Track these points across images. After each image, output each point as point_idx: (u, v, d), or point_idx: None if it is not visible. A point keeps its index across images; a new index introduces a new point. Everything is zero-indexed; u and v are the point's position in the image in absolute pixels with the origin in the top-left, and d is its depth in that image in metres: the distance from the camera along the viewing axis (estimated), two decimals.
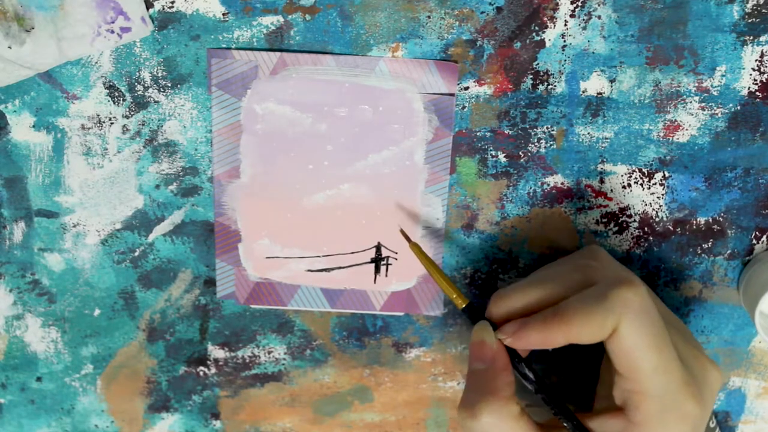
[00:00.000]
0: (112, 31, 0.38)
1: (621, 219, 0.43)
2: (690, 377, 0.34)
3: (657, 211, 0.43)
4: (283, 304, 0.44)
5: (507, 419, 0.34)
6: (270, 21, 0.39)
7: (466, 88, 0.40)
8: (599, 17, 0.39)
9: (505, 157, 0.42)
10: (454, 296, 0.38)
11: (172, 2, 0.38)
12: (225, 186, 0.42)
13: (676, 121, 0.41)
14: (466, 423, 0.35)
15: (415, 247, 0.39)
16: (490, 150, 0.41)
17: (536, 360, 0.45)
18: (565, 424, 0.35)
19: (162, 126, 0.41)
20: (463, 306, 0.38)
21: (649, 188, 0.42)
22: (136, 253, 0.44)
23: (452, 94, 0.40)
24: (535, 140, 0.41)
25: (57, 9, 0.37)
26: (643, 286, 0.34)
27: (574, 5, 0.39)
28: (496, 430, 0.35)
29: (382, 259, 0.43)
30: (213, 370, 0.47)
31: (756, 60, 0.40)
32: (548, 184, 0.42)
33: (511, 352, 0.36)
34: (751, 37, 0.39)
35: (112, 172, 0.42)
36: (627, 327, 0.33)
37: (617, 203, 0.43)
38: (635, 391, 0.34)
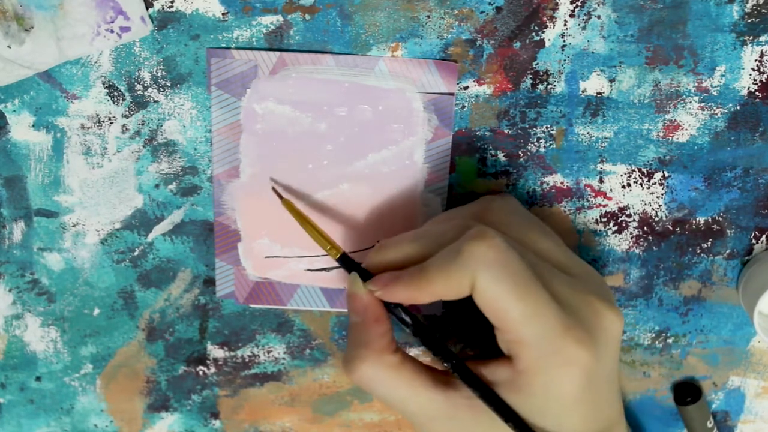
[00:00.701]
0: (112, 31, 0.38)
1: (620, 218, 0.43)
2: (572, 321, 0.33)
3: (656, 211, 0.43)
4: (282, 304, 0.44)
5: (384, 369, 0.34)
6: (270, 21, 0.39)
7: (466, 88, 0.40)
8: (599, 17, 0.39)
9: (504, 156, 0.42)
10: (328, 248, 0.37)
11: (172, 2, 0.38)
12: (224, 185, 0.42)
13: (675, 121, 0.41)
14: (348, 377, 0.35)
15: (287, 204, 0.39)
16: (490, 149, 0.42)
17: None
18: (445, 365, 0.35)
19: (161, 126, 0.41)
20: (337, 256, 0.37)
21: (649, 188, 0.42)
22: (136, 253, 0.44)
23: (452, 94, 0.40)
24: (535, 140, 0.41)
25: (56, 8, 0.37)
26: (497, 237, 0.33)
27: (574, 5, 0.39)
28: (376, 381, 0.34)
29: None
30: (212, 370, 0.47)
31: (756, 60, 0.40)
32: (548, 184, 0.42)
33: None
34: (751, 37, 0.39)
35: (112, 172, 0.42)
36: (484, 280, 0.32)
37: (617, 203, 0.43)
38: (512, 341, 0.33)
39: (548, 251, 0.36)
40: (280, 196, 0.40)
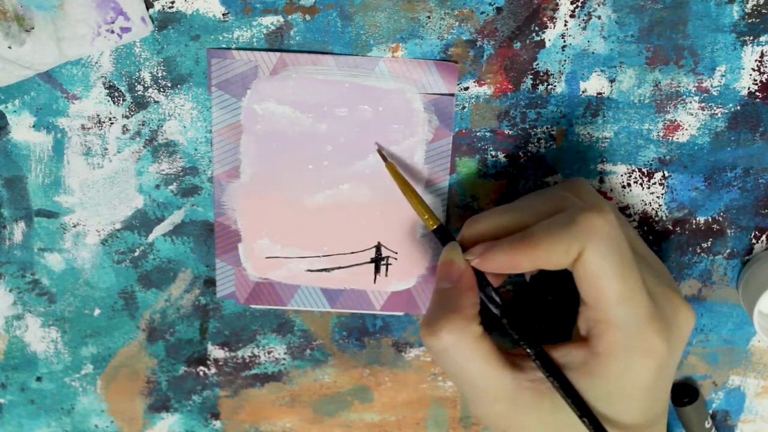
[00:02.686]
0: (112, 31, 0.38)
1: None
2: (657, 313, 0.33)
3: (657, 211, 0.43)
4: (283, 304, 0.44)
5: (467, 338, 0.34)
6: (270, 21, 0.39)
7: (466, 89, 0.40)
8: (599, 17, 0.39)
9: (505, 157, 0.42)
10: (426, 217, 0.37)
11: (172, 2, 0.38)
12: (225, 186, 0.42)
13: (675, 121, 0.41)
14: (427, 341, 0.34)
15: (391, 167, 0.39)
16: (490, 150, 0.42)
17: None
18: (527, 351, 0.35)
19: (162, 126, 0.41)
20: (434, 227, 0.37)
21: (649, 188, 0.42)
22: (136, 253, 0.44)
23: (452, 95, 0.40)
24: (535, 140, 0.41)
25: (57, 9, 0.37)
26: (612, 213, 0.33)
27: (574, 5, 0.39)
28: (455, 348, 0.34)
29: (382, 259, 0.43)
30: (213, 370, 0.47)
31: (756, 60, 0.40)
32: (548, 184, 0.42)
33: (480, 276, 0.36)
34: (751, 38, 0.39)
35: (112, 172, 0.42)
36: (592, 252, 0.32)
37: (617, 203, 0.43)
38: (599, 320, 0.33)
39: (634, 240, 0.36)
40: (385, 159, 0.40)
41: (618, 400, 0.34)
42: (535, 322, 0.43)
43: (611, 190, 0.42)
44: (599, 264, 0.32)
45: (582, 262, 0.32)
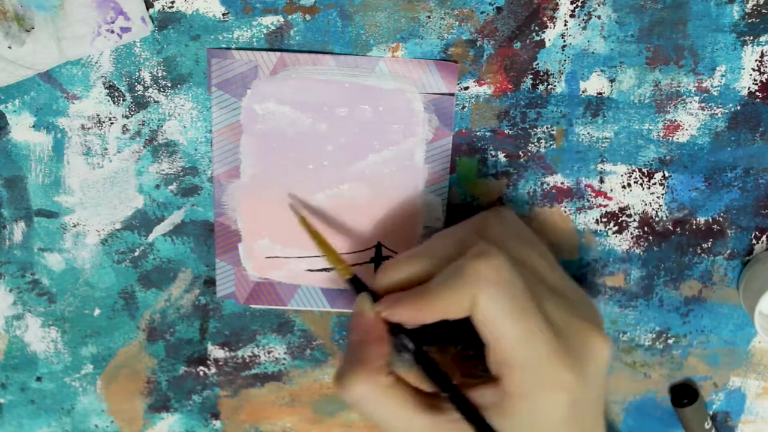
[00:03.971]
0: (112, 31, 0.38)
1: (621, 219, 0.43)
2: (562, 346, 0.33)
3: (657, 211, 0.43)
4: (283, 304, 0.44)
5: (375, 390, 0.34)
6: (270, 21, 0.39)
7: (466, 88, 0.40)
8: (599, 17, 0.39)
9: (505, 156, 0.42)
10: (340, 268, 0.38)
11: (172, 2, 0.38)
12: (225, 186, 0.42)
13: (676, 121, 0.41)
14: (338, 392, 0.35)
15: (303, 221, 0.40)
16: (490, 150, 0.42)
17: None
18: (443, 394, 0.35)
19: (162, 126, 0.41)
20: (348, 277, 0.38)
21: (649, 188, 0.42)
22: (136, 253, 0.44)
23: (452, 94, 0.40)
24: (535, 140, 0.41)
25: (57, 9, 0.37)
26: (500, 256, 0.33)
27: (574, 5, 0.39)
28: (365, 399, 0.34)
29: (382, 259, 0.43)
30: (213, 370, 0.47)
31: (756, 60, 0.40)
32: (548, 184, 0.42)
33: (393, 324, 0.36)
34: (751, 37, 0.39)
35: (112, 172, 0.42)
36: (484, 299, 0.32)
37: (617, 203, 0.43)
38: (503, 362, 0.33)
39: (543, 272, 0.36)
40: (296, 213, 0.40)
41: None
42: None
43: (611, 190, 0.42)
44: (492, 309, 0.32)
45: (476, 309, 0.33)
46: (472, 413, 0.34)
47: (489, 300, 0.32)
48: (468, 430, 0.34)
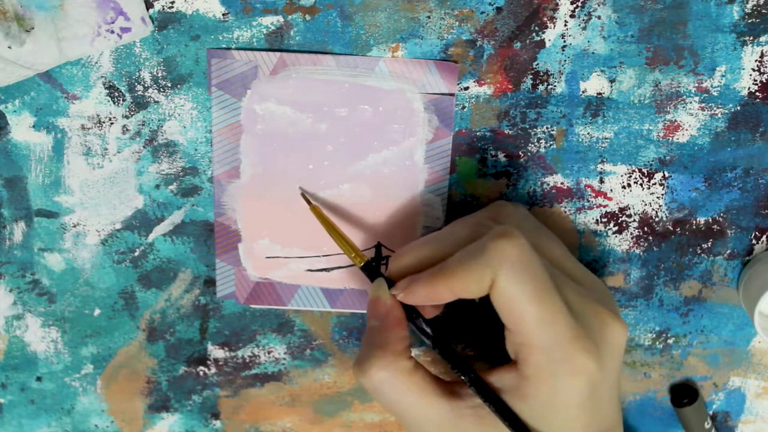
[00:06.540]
0: (112, 32, 0.38)
1: (621, 219, 0.43)
2: (582, 331, 0.33)
3: (657, 211, 0.43)
4: (283, 304, 0.44)
5: (397, 374, 0.34)
6: (270, 21, 0.39)
7: (466, 88, 0.40)
8: (599, 17, 0.39)
9: (504, 157, 0.42)
10: (353, 255, 0.38)
11: (172, 2, 0.38)
12: (225, 186, 0.42)
13: (675, 121, 0.41)
14: (359, 380, 0.35)
15: (315, 210, 0.40)
16: (490, 150, 0.42)
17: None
18: (462, 378, 0.35)
19: (162, 126, 0.41)
20: (362, 264, 0.38)
21: (649, 188, 0.42)
22: (136, 253, 0.44)
23: (452, 94, 0.40)
24: (535, 140, 0.41)
25: (57, 9, 0.37)
26: (522, 237, 0.33)
27: (574, 5, 0.39)
28: (387, 385, 0.34)
29: (383, 259, 0.43)
30: (213, 370, 0.47)
31: (756, 60, 0.40)
32: (548, 184, 0.42)
33: (410, 309, 0.36)
34: (751, 38, 0.39)
35: (112, 172, 0.42)
36: (504, 279, 0.32)
37: (617, 203, 0.43)
38: (522, 344, 0.33)
39: (559, 259, 0.37)
40: (309, 202, 0.40)
41: (553, 420, 0.34)
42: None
43: (611, 190, 0.42)
44: (513, 290, 0.32)
45: (496, 289, 0.33)
46: (492, 397, 0.34)
47: (511, 279, 0.32)
48: (487, 416, 0.34)
